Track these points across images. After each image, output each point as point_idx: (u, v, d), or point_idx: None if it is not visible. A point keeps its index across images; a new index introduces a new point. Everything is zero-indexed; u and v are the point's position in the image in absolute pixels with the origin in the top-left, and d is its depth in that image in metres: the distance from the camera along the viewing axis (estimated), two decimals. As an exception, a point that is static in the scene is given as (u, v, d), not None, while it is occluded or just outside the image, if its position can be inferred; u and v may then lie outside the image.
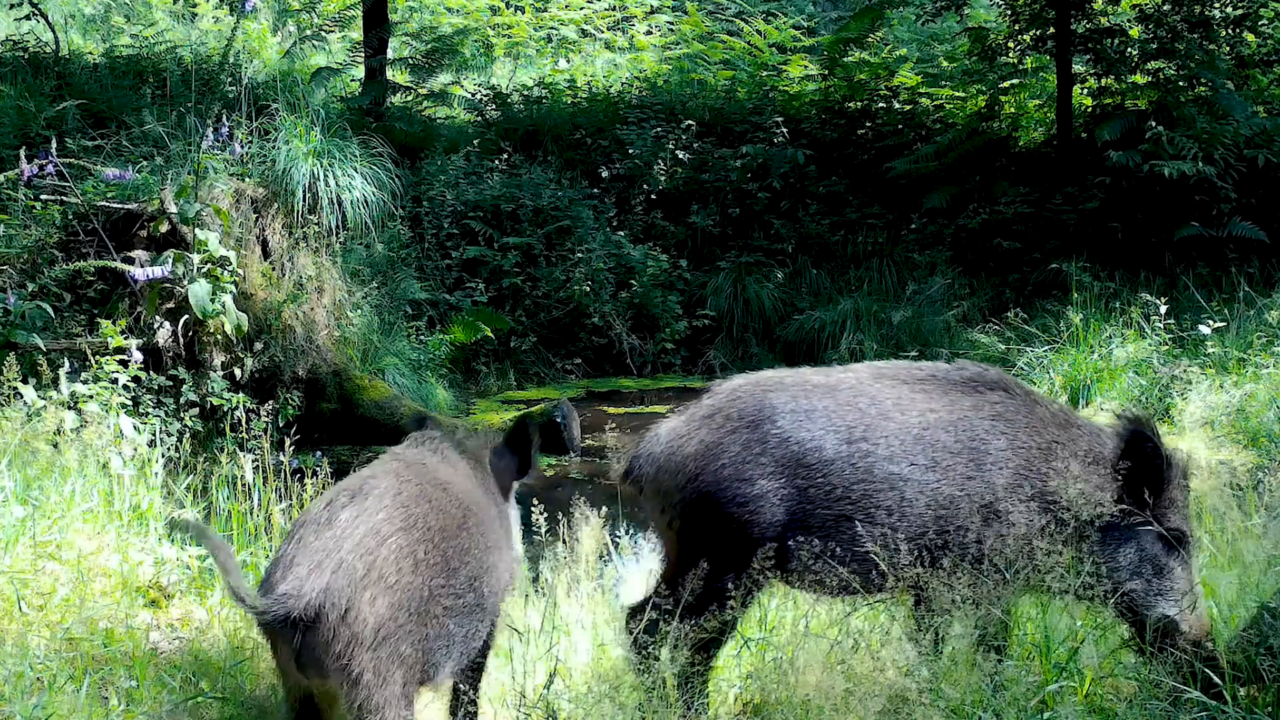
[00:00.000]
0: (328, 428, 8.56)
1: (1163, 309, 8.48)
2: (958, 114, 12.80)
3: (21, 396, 5.85)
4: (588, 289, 11.08)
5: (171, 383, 7.64)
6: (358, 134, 10.19)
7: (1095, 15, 11.66)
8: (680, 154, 12.70)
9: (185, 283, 7.75)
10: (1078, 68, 11.77)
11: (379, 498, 3.12)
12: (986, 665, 3.37)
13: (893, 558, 3.45)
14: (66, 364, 6.70)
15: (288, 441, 5.35)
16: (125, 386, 6.42)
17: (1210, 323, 8.30)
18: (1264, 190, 10.39)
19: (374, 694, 2.98)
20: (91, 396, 6.17)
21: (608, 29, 16.65)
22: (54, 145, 8.07)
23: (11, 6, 12.01)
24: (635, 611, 3.77)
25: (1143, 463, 3.59)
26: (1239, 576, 4.04)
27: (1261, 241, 9.96)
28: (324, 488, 5.05)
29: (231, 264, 7.94)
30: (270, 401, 7.73)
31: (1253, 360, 7.75)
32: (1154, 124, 10.33)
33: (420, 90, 13.61)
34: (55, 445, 5.36)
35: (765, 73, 14.13)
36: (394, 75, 13.74)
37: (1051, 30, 11.48)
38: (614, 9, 16.74)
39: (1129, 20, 11.71)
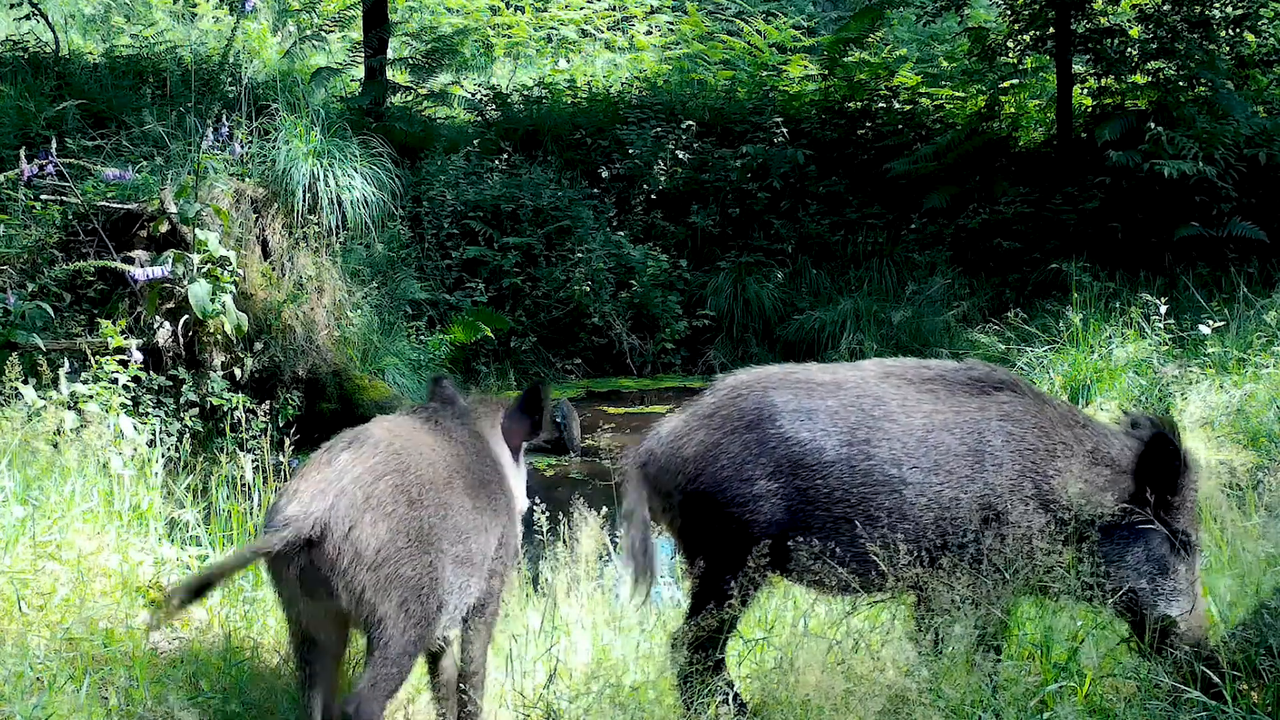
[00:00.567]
0: (328, 428, 8.45)
1: (1163, 309, 8.48)
2: (958, 114, 12.80)
3: (21, 396, 5.85)
4: (588, 289, 11.08)
5: (171, 383, 7.64)
6: (358, 134, 10.19)
7: (1095, 15, 11.65)
8: (680, 154, 12.70)
9: (185, 283, 7.75)
10: (1078, 68, 11.77)
11: (374, 444, 3.35)
12: (986, 665, 3.37)
13: (893, 558, 3.45)
14: (66, 364, 6.70)
15: (288, 441, 5.35)
16: (125, 386, 6.42)
17: (1210, 323, 8.29)
18: (1264, 190, 10.39)
19: (378, 608, 3.16)
20: (91, 396, 6.17)
21: (608, 29, 16.65)
22: (54, 145, 8.07)
23: (11, 6, 12.00)
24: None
25: (1162, 465, 3.57)
26: (1239, 576, 4.04)
27: (1261, 241, 9.96)
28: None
29: (231, 264, 7.94)
30: (270, 401, 7.76)
31: (1253, 360, 7.74)
32: (1154, 124, 10.33)
33: (420, 90, 13.61)
34: (55, 445, 5.36)
35: (765, 73, 14.13)
36: (394, 75, 13.74)
37: (1051, 30, 11.48)
38: (614, 9, 16.73)
39: (1129, 20, 11.70)
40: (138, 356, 6.96)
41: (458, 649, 3.67)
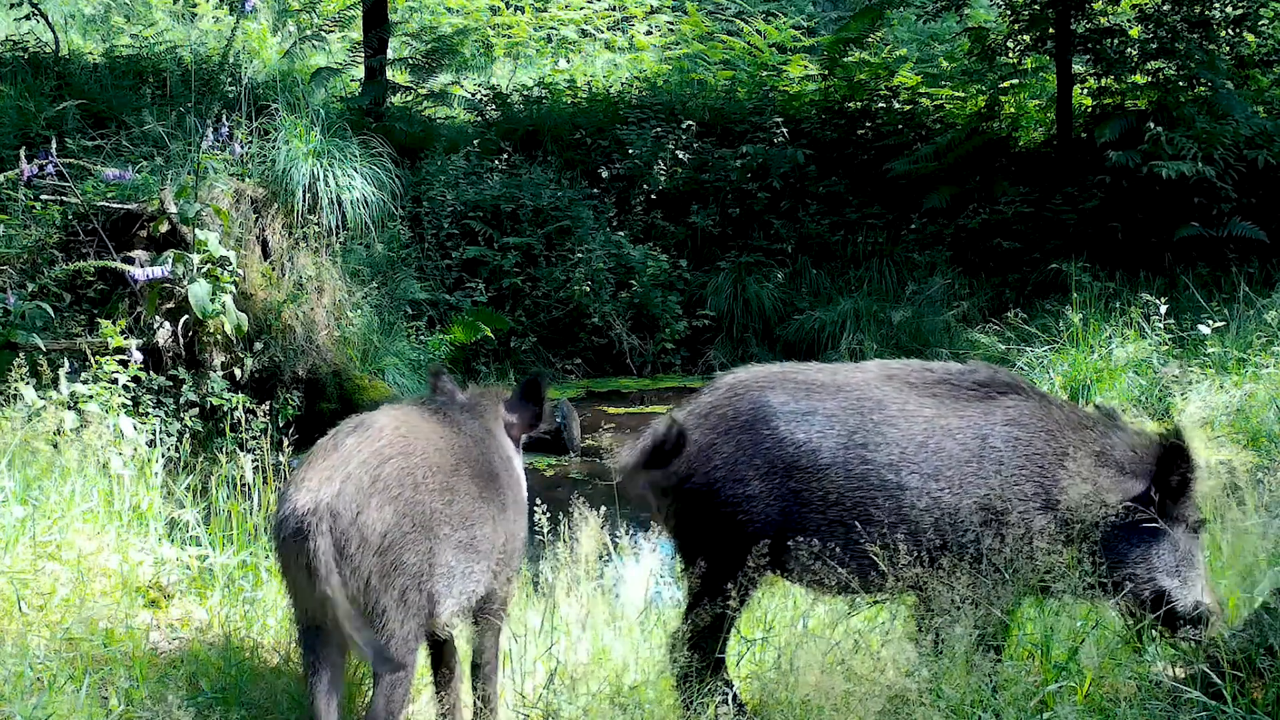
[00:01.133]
0: (327, 428, 8.48)
1: (1163, 309, 8.48)
2: (958, 114, 12.80)
3: (21, 396, 5.85)
4: (588, 289, 11.08)
5: (171, 383, 7.64)
6: (358, 134, 10.19)
7: (1095, 15, 11.65)
8: (680, 154, 12.70)
9: (185, 283, 7.75)
10: (1078, 68, 11.77)
11: (380, 430, 3.37)
12: (986, 665, 3.37)
13: (894, 559, 3.44)
14: (66, 364, 6.70)
15: (287, 441, 5.35)
16: (125, 386, 6.42)
17: (1210, 323, 8.30)
18: (1264, 190, 10.40)
19: (380, 598, 3.18)
20: (91, 396, 6.17)
21: (608, 29, 16.65)
22: (54, 145, 8.07)
23: (11, 6, 12.01)
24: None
25: (1176, 471, 3.57)
26: (1238, 576, 4.04)
27: (1261, 241, 9.97)
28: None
29: (231, 264, 7.94)
30: (270, 401, 7.76)
31: (1253, 360, 7.75)
32: (1153, 124, 10.33)
33: (420, 90, 13.61)
34: (55, 445, 5.36)
35: (765, 73, 14.13)
36: (394, 75, 13.74)
37: (1051, 30, 11.48)
38: (614, 9, 16.73)
39: (1129, 20, 11.70)
40: (138, 356, 6.97)
41: (462, 641, 3.67)
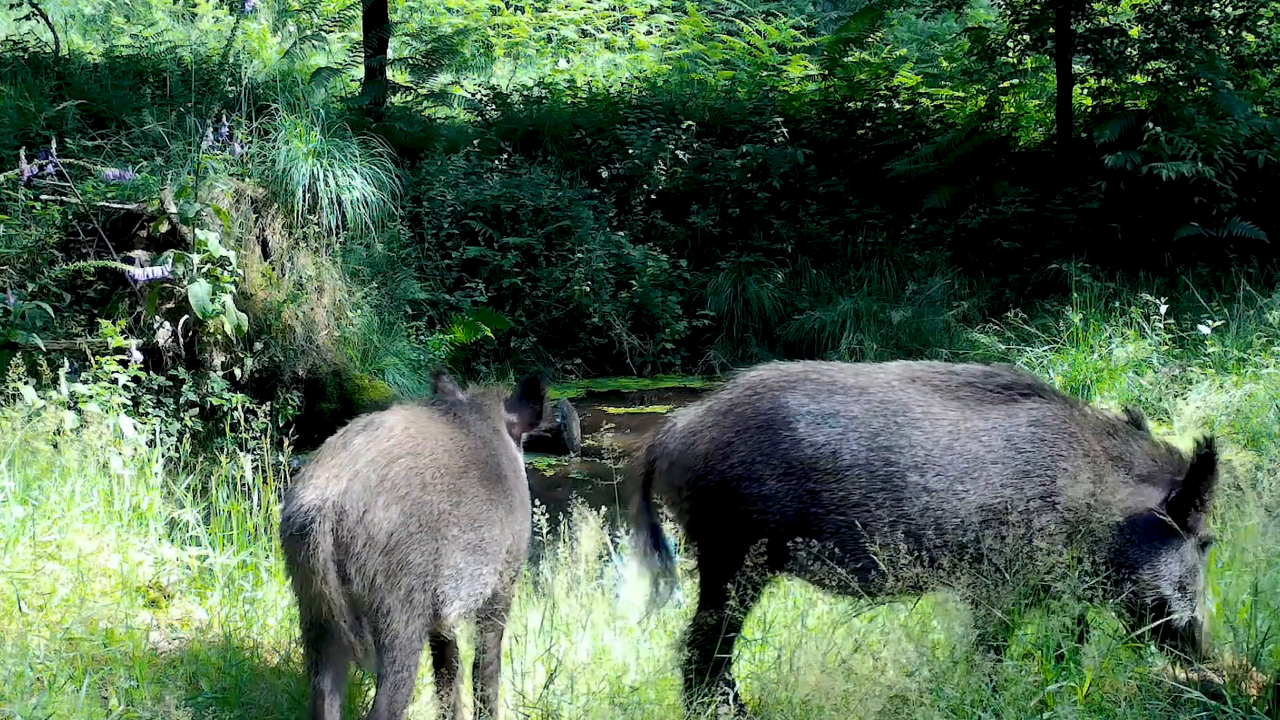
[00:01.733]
0: (327, 428, 8.48)
1: (1163, 309, 8.48)
2: (958, 114, 12.80)
3: (21, 396, 5.85)
4: (588, 289, 11.08)
5: (171, 383, 7.64)
6: (358, 134, 10.19)
7: (1095, 15, 11.65)
8: (680, 154, 12.70)
9: (185, 283, 7.75)
10: (1078, 68, 11.77)
11: (389, 429, 3.38)
12: (986, 665, 3.36)
13: (919, 562, 3.41)
14: (66, 364, 6.70)
15: (287, 441, 5.35)
16: (125, 386, 6.42)
17: (1210, 323, 8.30)
18: (1264, 190, 10.39)
19: (385, 597, 3.17)
20: (91, 396, 6.17)
21: (608, 29, 16.64)
22: (54, 145, 8.06)
23: (11, 6, 12.00)
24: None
25: (1203, 482, 3.55)
26: (1238, 576, 4.04)
27: (1261, 241, 9.96)
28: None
29: (231, 264, 7.94)
30: (270, 401, 7.76)
31: (1253, 360, 7.75)
32: (1153, 124, 10.33)
33: (420, 90, 13.61)
34: (55, 445, 5.36)
35: (765, 73, 14.12)
36: (394, 75, 13.74)
37: (1051, 30, 11.48)
38: (614, 9, 16.73)
39: (1129, 20, 11.70)
40: (138, 356, 6.96)
41: (464, 641, 3.67)
